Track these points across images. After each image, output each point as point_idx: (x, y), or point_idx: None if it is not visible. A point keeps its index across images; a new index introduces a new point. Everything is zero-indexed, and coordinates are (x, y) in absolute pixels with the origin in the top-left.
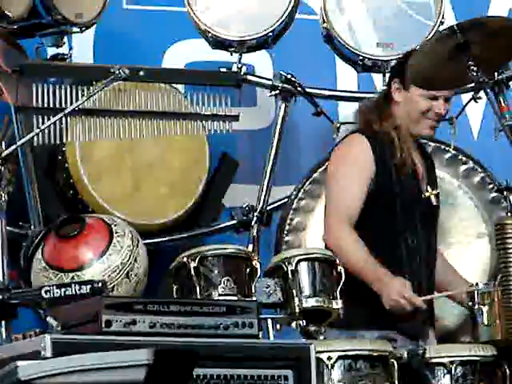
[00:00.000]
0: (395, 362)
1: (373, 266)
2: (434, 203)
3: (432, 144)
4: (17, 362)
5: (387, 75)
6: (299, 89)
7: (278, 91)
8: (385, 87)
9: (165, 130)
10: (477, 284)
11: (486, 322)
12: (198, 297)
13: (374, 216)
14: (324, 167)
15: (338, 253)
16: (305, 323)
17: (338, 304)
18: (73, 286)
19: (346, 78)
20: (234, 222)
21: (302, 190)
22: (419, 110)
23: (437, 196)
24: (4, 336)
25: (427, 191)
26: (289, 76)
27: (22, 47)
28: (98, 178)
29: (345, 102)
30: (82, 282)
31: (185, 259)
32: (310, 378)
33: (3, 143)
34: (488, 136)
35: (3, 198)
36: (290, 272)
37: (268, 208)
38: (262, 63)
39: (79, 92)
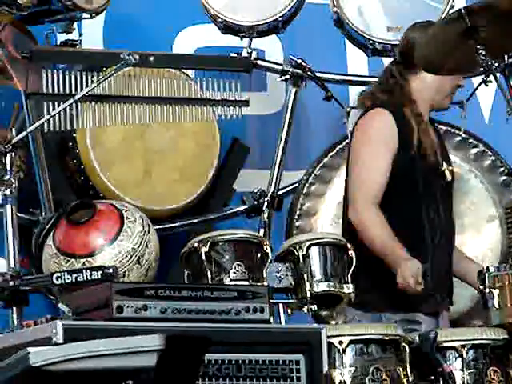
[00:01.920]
0: (407, 346)
1: (394, 248)
2: (449, 179)
3: (442, 127)
4: (28, 349)
5: None
6: (309, 73)
7: (288, 76)
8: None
9: (175, 116)
10: (487, 267)
11: (496, 306)
12: (210, 282)
13: (397, 192)
14: (335, 152)
15: (363, 231)
16: (316, 308)
17: (349, 288)
18: (84, 271)
19: (357, 62)
20: (245, 206)
21: (313, 175)
22: (455, 83)
23: (451, 172)
24: (15, 322)
25: (443, 166)
26: (299, 61)
27: (32, 34)
28: (109, 164)
29: (355, 87)
30: (93, 267)
31: (196, 244)
32: (321, 363)
33: (13, 129)
34: (499, 119)
35: (14, 185)
36: (301, 257)
37: (279, 193)
38: (272, 48)
39: (89, 78)
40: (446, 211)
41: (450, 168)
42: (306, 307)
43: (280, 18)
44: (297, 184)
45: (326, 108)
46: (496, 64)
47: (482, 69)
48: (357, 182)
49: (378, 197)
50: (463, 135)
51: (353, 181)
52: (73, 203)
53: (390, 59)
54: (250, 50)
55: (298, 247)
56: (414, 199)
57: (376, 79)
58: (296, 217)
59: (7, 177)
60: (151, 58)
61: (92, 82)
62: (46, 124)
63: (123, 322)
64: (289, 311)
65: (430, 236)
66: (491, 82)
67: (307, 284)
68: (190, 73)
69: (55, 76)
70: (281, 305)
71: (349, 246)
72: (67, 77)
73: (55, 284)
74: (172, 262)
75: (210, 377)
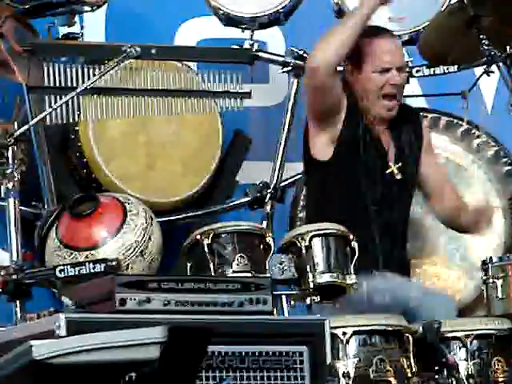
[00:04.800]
0: (410, 337)
1: None
2: (398, 177)
3: (445, 118)
4: (31, 342)
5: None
6: None
7: (290, 68)
8: None
9: (177, 108)
10: (491, 257)
11: (500, 296)
12: (212, 274)
13: (339, 178)
14: None
15: (327, 42)
16: (319, 299)
17: (351, 279)
18: (87, 264)
19: None
20: (248, 198)
21: None
22: (375, 86)
23: (400, 169)
24: (18, 316)
25: (390, 166)
26: (301, 52)
27: (33, 27)
28: (112, 157)
29: None
30: (96, 260)
31: (198, 236)
32: (324, 354)
33: (16, 123)
34: (502, 110)
35: (16, 178)
36: (303, 248)
37: (282, 184)
38: (274, 40)
39: (91, 71)
40: (394, 209)
41: (396, 166)
42: (308, 298)
43: (281, 10)
44: (299, 175)
45: None
46: (499, 54)
47: (485, 58)
48: None
49: None
50: (466, 126)
51: None
52: (76, 196)
53: None
54: (251, 42)
55: (300, 238)
56: (354, 185)
57: None
58: (299, 208)
59: (10, 170)
60: (153, 51)
61: (94, 74)
62: (47, 117)
63: (126, 314)
64: (292, 302)
65: (369, 228)
66: (493, 72)
67: (310, 275)
68: (192, 65)
69: (56, 69)
70: (284, 296)
71: (351, 236)
72: (69, 70)
73: (58, 277)
74: (175, 255)
75: (214, 369)
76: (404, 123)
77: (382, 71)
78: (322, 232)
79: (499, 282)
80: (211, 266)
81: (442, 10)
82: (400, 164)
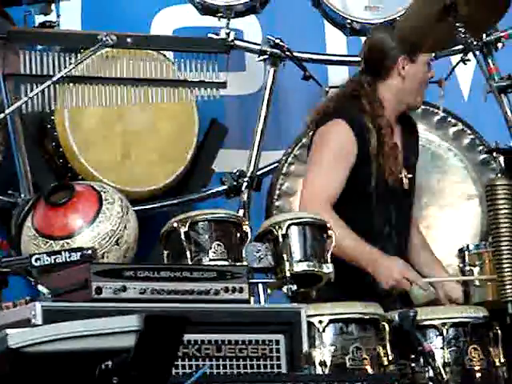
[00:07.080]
0: (386, 325)
1: (366, 247)
2: (406, 187)
3: (421, 106)
4: (6, 330)
5: None
6: (287, 53)
7: (266, 56)
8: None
9: (153, 97)
10: (468, 245)
11: (477, 284)
12: (189, 262)
13: (349, 205)
14: (313, 132)
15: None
16: (295, 287)
17: (328, 268)
18: (63, 253)
19: (335, 41)
20: (225, 187)
21: (292, 155)
22: (426, 79)
23: (410, 180)
24: None
25: (401, 173)
26: (277, 40)
27: (9, 15)
28: (88, 146)
29: (334, 66)
30: (71, 249)
31: (175, 224)
32: (301, 342)
33: None
34: (478, 98)
35: None
36: (280, 236)
37: (258, 173)
38: (250, 28)
39: (67, 59)
40: (401, 222)
41: (409, 176)
42: (285, 287)
43: None
44: (276, 164)
45: (304, 88)
46: (475, 42)
47: (461, 46)
48: (314, 184)
49: (333, 202)
50: (442, 114)
51: (309, 184)
52: (51, 185)
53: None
54: (227, 31)
55: (277, 227)
56: (365, 213)
57: (355, 58)
58: (275, 197)
59: None
60: (129, 40)
61: (70, 63)
62: (24, 106)
63: (102, 303)
64: (268, 291)
65: (381, 248)
66: (469, 60)
67: (287, 264)
68: (168, 54)
69: (33, 57)
70: (260, 285)
71: (328, 225)
72: (45, 58)
73: (34, 266)
74: (152, 243)
75: (190, 357)
76: (409, 132)
77: (427, 64)
78: (299, 220)
79: (476, 270)
80: (188, 253)
81: None
82: (408, 172)
